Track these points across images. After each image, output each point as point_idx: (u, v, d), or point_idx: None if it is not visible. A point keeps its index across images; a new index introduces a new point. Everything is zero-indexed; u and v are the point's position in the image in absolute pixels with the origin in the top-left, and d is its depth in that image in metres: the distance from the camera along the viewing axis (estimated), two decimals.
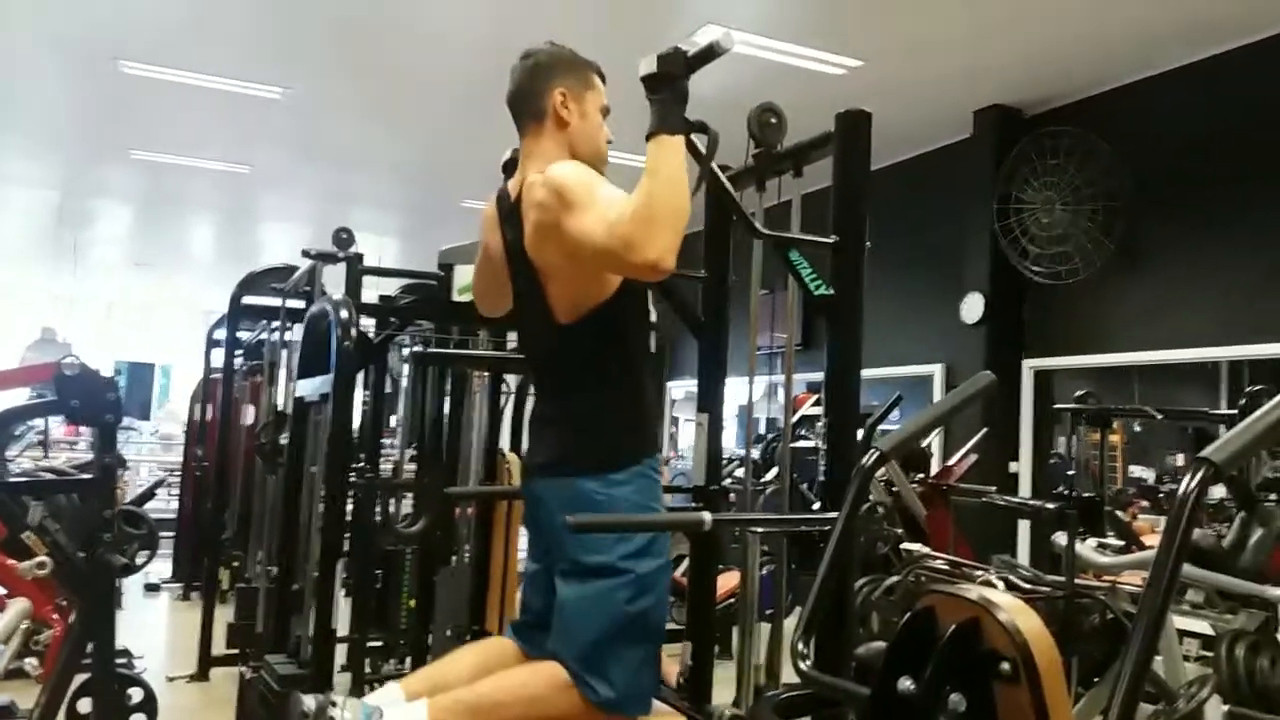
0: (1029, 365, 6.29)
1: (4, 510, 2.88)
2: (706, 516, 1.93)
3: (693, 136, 1.88)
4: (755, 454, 6.04)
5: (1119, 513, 5.18)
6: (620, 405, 2.00)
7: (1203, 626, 3.54)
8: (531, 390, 2.18)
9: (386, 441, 6.35)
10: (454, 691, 1.90)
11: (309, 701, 1.87)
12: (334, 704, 1.86)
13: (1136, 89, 5.80)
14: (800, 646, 1.42)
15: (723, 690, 2.18)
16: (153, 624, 6.61)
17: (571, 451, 1.99)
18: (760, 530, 2.21)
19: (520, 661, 2.04)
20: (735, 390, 3.02)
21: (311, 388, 3.20)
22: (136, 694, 3.14)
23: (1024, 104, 6.33)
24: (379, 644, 4.73)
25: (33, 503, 3.06)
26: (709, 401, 2.74)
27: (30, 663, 3.36)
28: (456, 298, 4.13)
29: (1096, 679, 2.64)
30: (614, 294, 1.95)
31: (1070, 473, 5.47)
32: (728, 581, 3.70)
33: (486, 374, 3.98)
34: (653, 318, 2.07)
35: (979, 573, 3.30)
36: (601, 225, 1.76)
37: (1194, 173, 5.46)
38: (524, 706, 1.87)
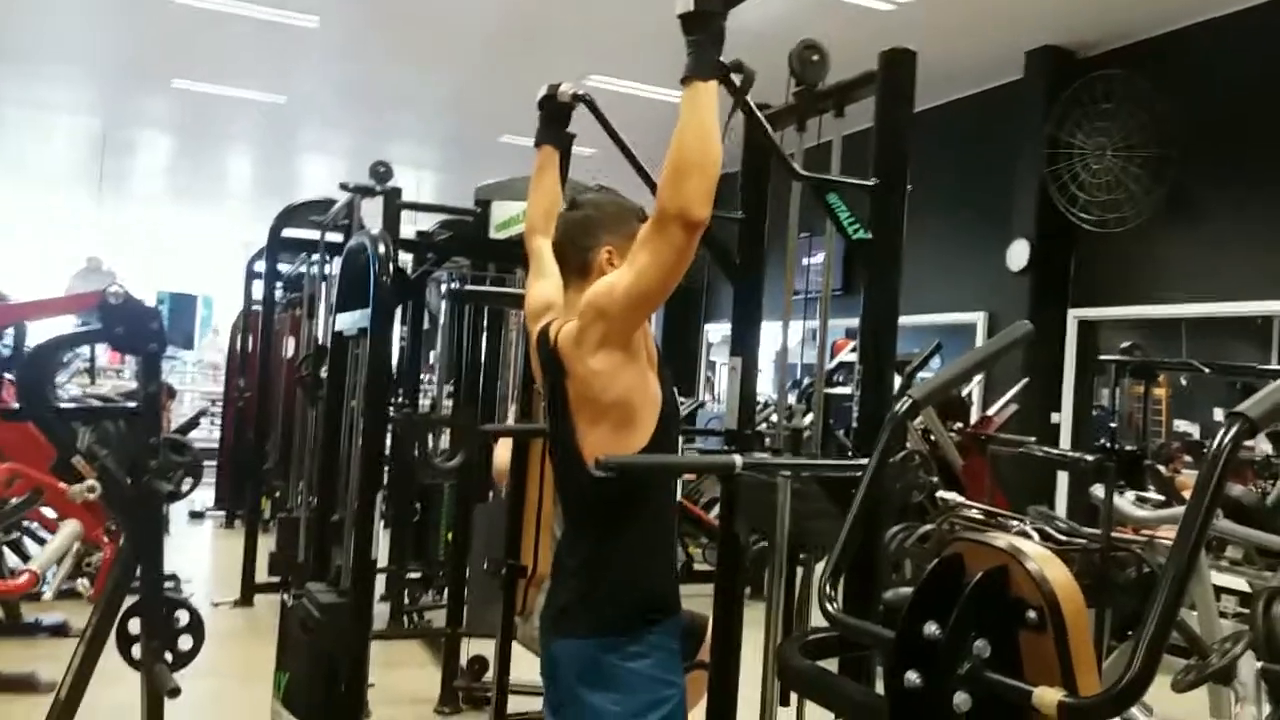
0: (1074, 315, 6.20)
1: (55, 434, 2.95)
2: (737, 459, 1.93)
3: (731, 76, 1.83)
4: (791, 399, 6.04)
5: (1161, 467, 5.13)
6: (644, 559, 1.96)
7: (1241, 583, 3.52)
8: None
9: (425, 377, 6.42)
10: None
11: None
12: None
13: (1191, 33, 5.62)
14: (827, 589, 1.43)
15: (752, 631, 2.21)
16: (197, 550, 6.80)
17: (587, 604, 1.93)
18: (790, 475, 2.21)
19: None
20: (773, 335, 3.00)
21: (350, 322, 3.23)
22: (184, 617, 3.23)
23: (1077, 45, 6.16)
24: (417, 575, 4.85)
25: (81, 428, 3.13)
26: (743, 346, 2.73)
27: (82, 583, 3.48)
28: (494, 234, 4.13)
29: (1130, 632, 2.64)
30: (646, 444, 1.92)
31: (1113, 425, 5.41)
32: None
33: (522, 311, 3.99)
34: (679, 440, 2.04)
35: (1014, 523, 3.30)
36: (641, 250, 1.77)
37: (1248, 122, 5.31)
38: None
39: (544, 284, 2.17)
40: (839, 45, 2.38)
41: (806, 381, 6.58)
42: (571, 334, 1.90)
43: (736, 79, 1.90)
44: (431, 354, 7.14)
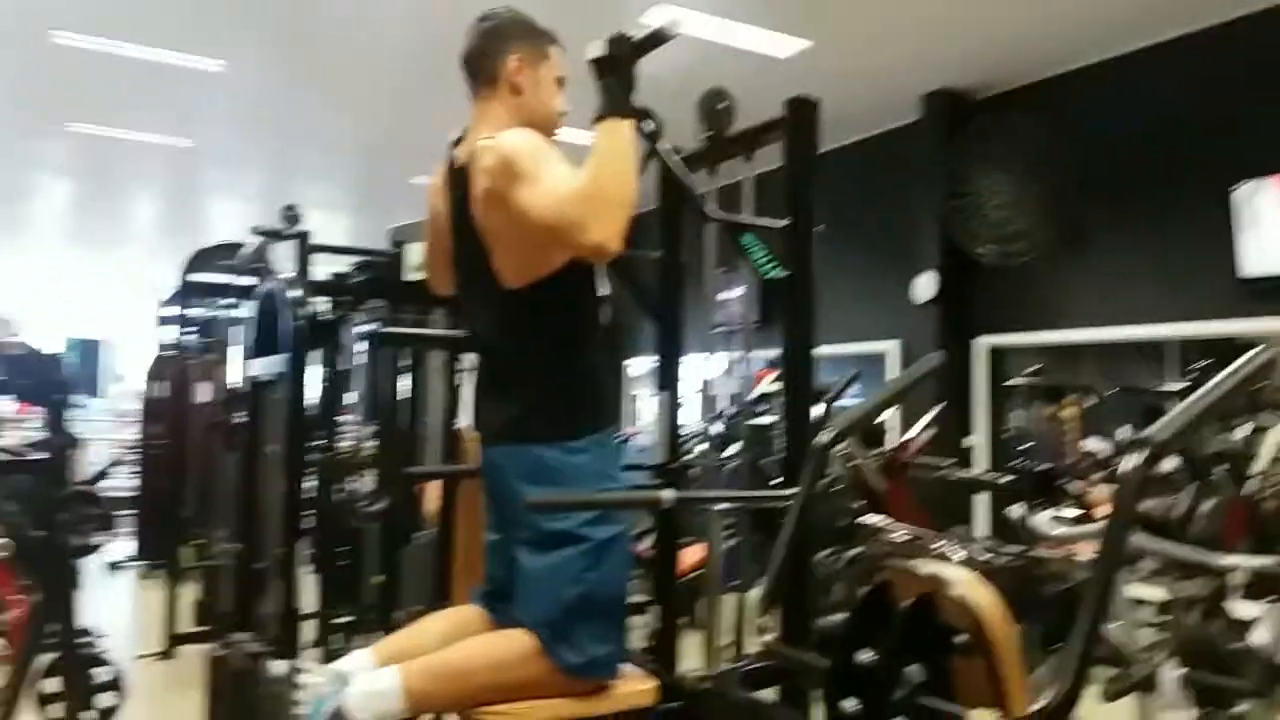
0: (982, 342, 6.40)
1: None
2: (667, 494, 1.96)
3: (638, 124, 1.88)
4: (716, 430, 6.09)
5: (1074, 484, 5.30)
6: (575, 375, 1.98)
7: (1157, 593, 3.65)
8: (481, 357, 2.14)
9: (345, 419, 6.31)
10: (423, 658, 1.91)
11: (278, 667, 1.88)
12: (303, 671, 1.87)
13: (1081, 74, 5.90)
14: (762, 620, 1.46)
15: (689, 661, 2.23)
16: (117, 603, 6.56)
17: (529, 418, 1.97)
18: (720, 508, 2.25)
19: (488, 629, 2.05)
20: (696, 368, 3.05)
21: (265, 367, 3.18)
22: (103, 673, 3.12)
23: (971, 88, 6.41)
24: (346, 620, 4.74)
25: None
26: (667, 380, 2.77)
27: None
28: (410, 276, 4.12)
29: (1054, 646, 2.72)
30: (563, 266, 1.93)
31: (1026, 447, 5.59)
32: (693, 555, 3.75)
33: (444, 353, 3.97)
34: (603, 291, 2.05)
35: (937, 545, 3.38)
36: (549, 200, 1.76)
37: (1136, 159, 5.59)
38: (493, 672, 1.89)
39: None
40: (745, 90, 2.47)
41: (730, 412, 6.66)
42: (482, 163, 1.91)
43: (647, 125, 1.95)
44: (350, 395, 7.02)
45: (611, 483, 1.98)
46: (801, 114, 2.28)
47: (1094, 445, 4.73)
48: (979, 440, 6.37)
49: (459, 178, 2.02)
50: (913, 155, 6.68)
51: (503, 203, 1.86)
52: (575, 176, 1.77)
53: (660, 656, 2.31)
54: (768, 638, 1.43)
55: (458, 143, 2.23)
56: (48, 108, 7.60)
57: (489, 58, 2.04)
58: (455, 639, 1.98)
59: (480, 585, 2.18)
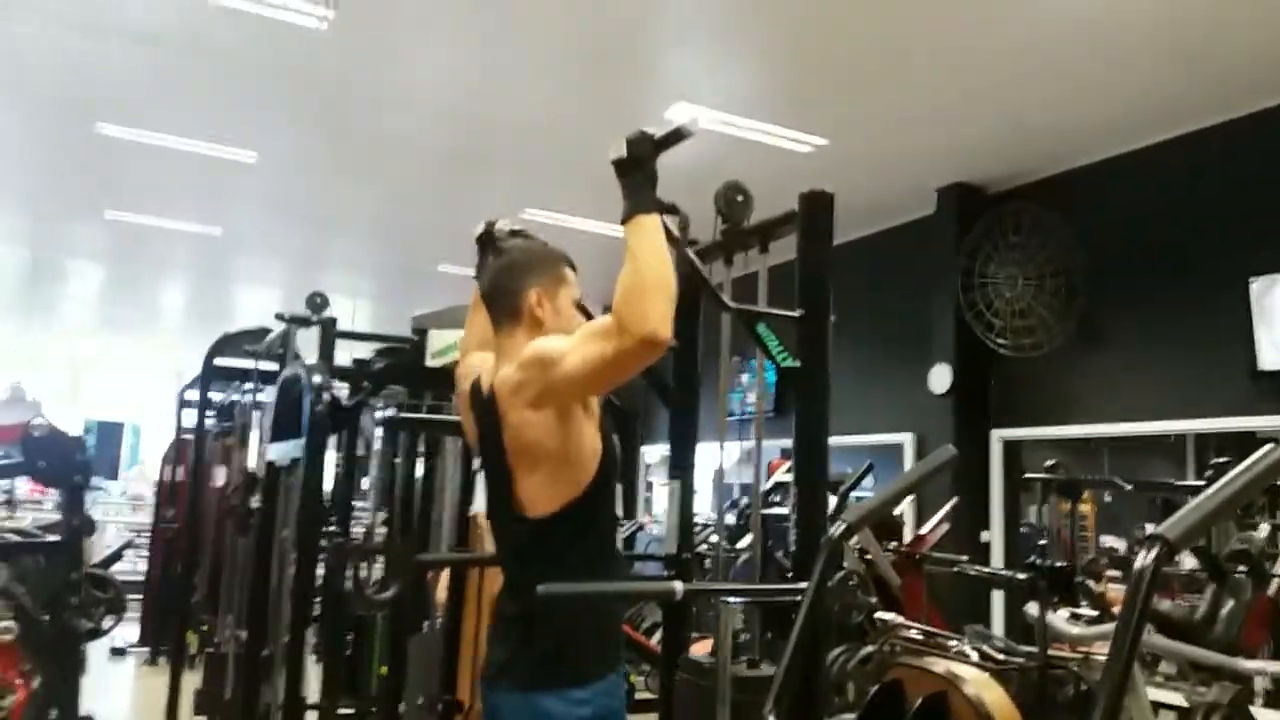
0: (997, 435, 6.36)
1: None
2: (678, 586, 1.94)
3: (664, 218, 1.92)
4: (730, 519, 6.04)
5: (1091, 582, 5.22)
6: (583, 612, 1.95)
7: (1178, 698, 3.55)
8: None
9: (359, 504, 6.30)
10: None
11: None
12: None
13: (1095, 169, 5.97)
14: (771, 718, 1.43)
15: None
16: (119, 689, 6.48)
17: (528, 658, 1.92)
18: (731, 601, 2.22)
19: None
20: (710, 456, 3.04)
21: (283, 451, 3.20)
22: None
23: (986, 182, 6.50)
24: (349, 712, 4.67)
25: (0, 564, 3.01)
26: (680, 468, 2.77)
27: None
28: (430, 362, 4.16)
29: None
30: (584, 491, 1.93)
31: (1041, 542, 5.51)
32: (702, 648, 3.69)
33: (459, 439, 3.98)
34: (620, 513, 2.05)
35: (952, 643, 3.31)
36: (593, 343, 1.78)
37: (1149, 250, 5.62)
38: None
39: (472, 355, 2.24)
40: (759, 184, 2.52)
41: (744, 502, 6.63)
42: (509, 381, 1.92)
43: (673, 221, 1.98)
44: (365, 480, 7.03)
45: None
46: (816, 206, 2.33)
47: (1111, 542, 4.65)
48: (995, 535, 6.29)
49: (487, 409, 2.01)
50: (928, 247, 6.74)
51: (546, 398, 1.86)
52: (602, 321, 1.80)
53: None
54: None
55: (481, 241, 2.28)
56: (88, 195, 7.82)
57: (509, 294, 2.06)
58: None
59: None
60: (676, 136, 1.85)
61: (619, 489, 2.04)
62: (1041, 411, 6.14)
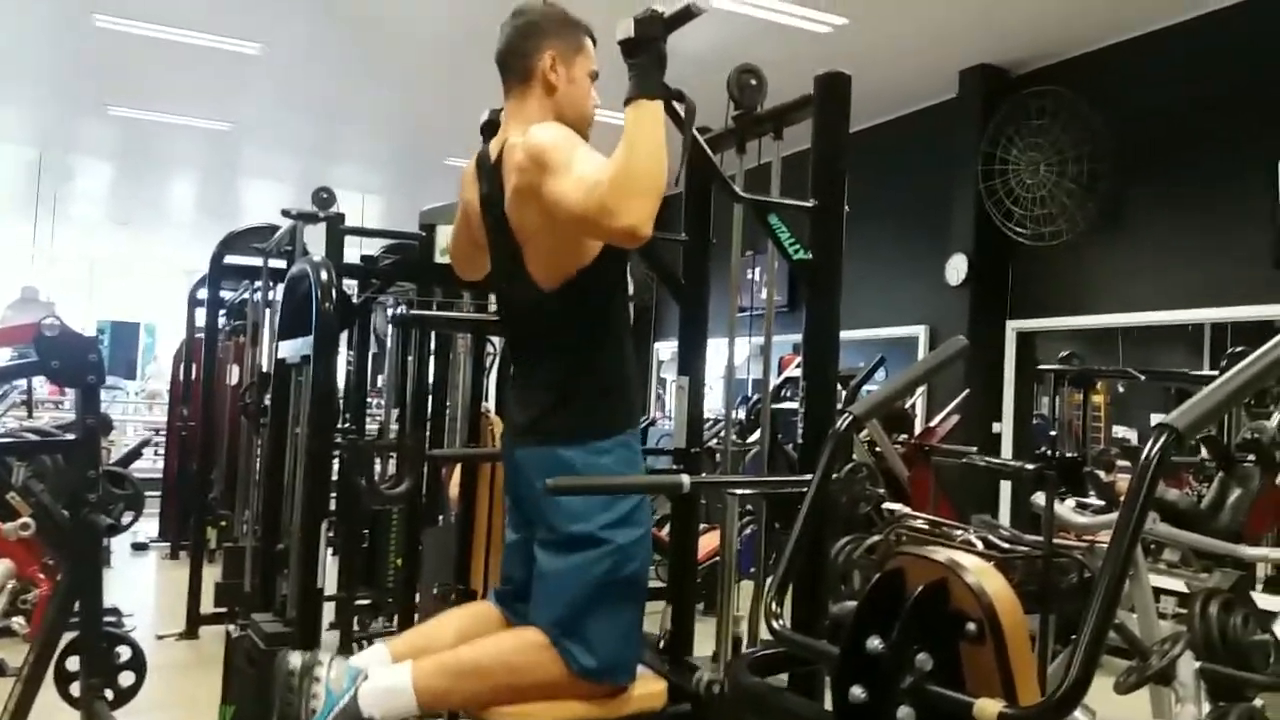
0: (1012, 326, 6.32)
1: None
2: (685, 479, 1.95)
3: (672, 104, 1.86)
4: (739, 415, 6.07)
5: (1100, 473, 5.24)
6: (602, 373, 1.98)
7: (1179, 585, 3.59)
8: (510, 353, 2.15)
9: (372, 402, 6.35)
10: (438, 655, 1.91)
11: (295, 659, 1.89)
12: (320, 663, 1.88)
13: (1121, 49, 5.78)
14: (773, 606, 1.44)
15: (704, 647, 2.22)
16: (141, 582, 6.65)
17: (552, 418, 1.96)
18: (738, 492, 2.23)
19: (504, 628, 2.05)
20: (720, 352, 3.02)
21: (293, 349, 3.19)
22: (124, 652, 3.17)
23: (1010, 64, 6.31)
24: (367, 602, 4.79)
25: (16, 463, 3.05)
26: (690, 364, 2.74)
27: (18, 621, 3.39)
28: (439, 259, 4.11)
29: (1074, 636, 2.68)
30: (594, 260, 1.93)
31: (1052, 433, 5.52)
32: (711, 541, 3.74)
33: (470, 335, 3.98)
34: (630, 289, 2.05)
35: (958, 532, 3.34)
36: (579, 190, 1.74)
37: (1176, 134, 5.47)
38: (506, 673, 1.89)
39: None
40: (776, 68, 2.42)
41: (754, 398, 6.65)
42: (514, 154, 1.91)
43: (680, 108, 1.92)
44: (379, 378, 7.07)
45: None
46: (832, 90, 2.23)
47: (1123, 433, 4.65)
48: (1006, 427, 6.30)
49: (492, 173, 2.01)
50: (949, 133, 6.60)
51: (535, 197, 1.84)
52: (605, 164, 1.75)
53: (675, 643, 2.30)
54: (776, 625, 1.41)
55: (488, 128, 2.22)
56: (89, 91, 7.70)
57: (523, 56, 2.01)
58: (470, 637, 1.98)
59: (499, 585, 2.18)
60: (687, 15, 1.77)
61: (628, 264, 2.06)
62: (1058, 302, 6.08)
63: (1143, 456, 1.13)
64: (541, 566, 1.95)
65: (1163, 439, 1.13)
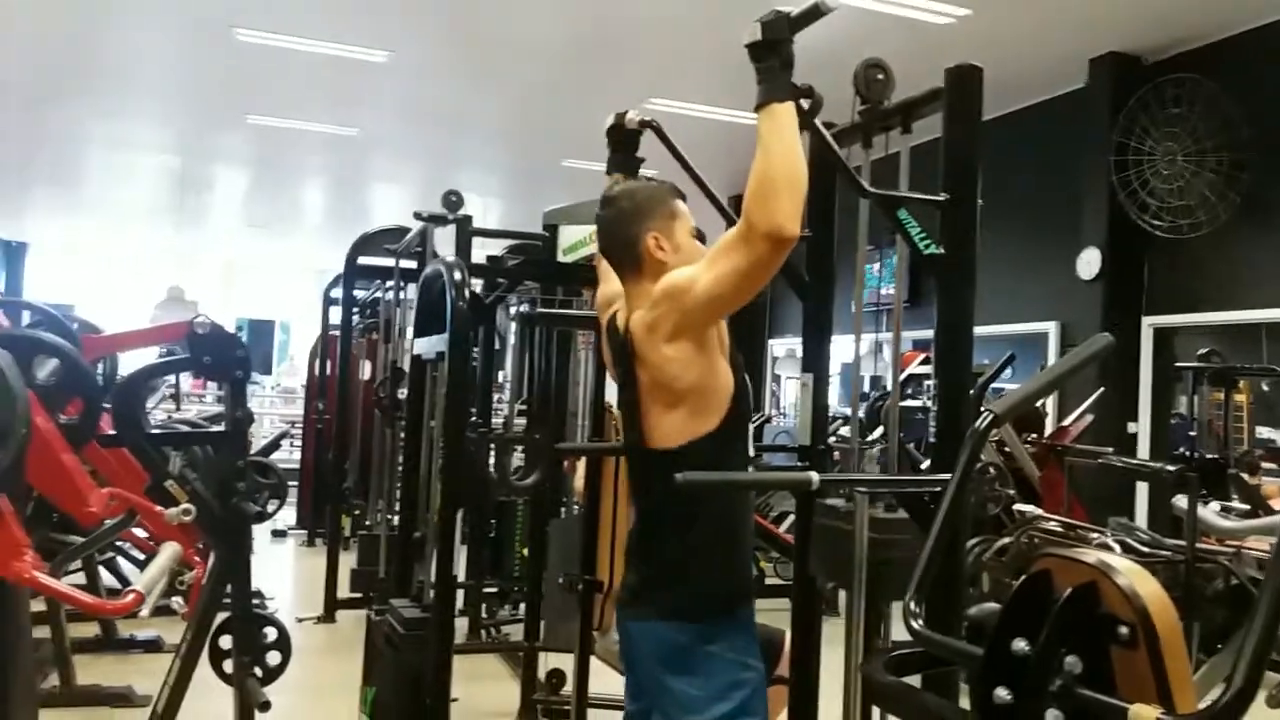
0: (1149, 323, 6.08)
1: (149, 459, 3.07)
2: (814, 476, 1.94)
3: (799, 102, 1.86)
4: (860, 413, 5.99)
5: (1244, 475, 5.01)
6: (716, 545, 1.97)
7: None
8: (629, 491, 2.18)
9: (496, 397, 6.51)
10: None
11: None
12: None
13: (1261, 34, 5.50)
14: (912, 606, 1.44)
15: (829, 645, 2.22)
16: (281, 568, 6.97)
17: (663, 592, 1.96)
18: (868, 491, 2.21)
19: None
20: (839, 348, 3.00)
21: (428, 346, 3.31)
22: (272, 633, 3.34)
23: (1142, 51, 6.06)
24: (494, 590, 4.92)
25: (172, 453, 3.25)
26: (813, 361, 2.73)
27: (176, 601, 3.60)
28: (561, 258, 4.20)
29: (1220, 645, 2.58)
30: (717, 428, 1.94)
31: (1192, 433, 5.29)
32: None
33: (591, 332, 4.04)
34: (751, 452, 2.04)
35: (1094, 535, 3.25)
36: (724, 255, 1.77)
37: None
38: None
39: (611, 283, 2.23)
40: (901, 60, 2.39)
41: (875, 395, 6.56)
42: (644, 321, 1.93)
43: (805, 104, 1.92)
44: (501, 374, 7.24)
45: (750, 672, 1.95)
46: (963, 83, 2.19)
47: (1268, 434, 4.44)
48: (1143, 427, 6.06)
49: (623, 349, 2.02)
50: (1079, 123, 6.38)
51: (677, 329, 1.87)
52: (725, 237, 1.78)
53: (801, 643, 2.30)
54: (916, 624, 1.41)
55: (611, 134, 2.29)
56: (229, 101, 8.09)
57: (627, 245, 2.03)
58: None
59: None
60: (814, 14, 1.77)
61: (750, 428, 2.08)
62: (1197, 297, 5.82)
63: None
64: None
65: None
